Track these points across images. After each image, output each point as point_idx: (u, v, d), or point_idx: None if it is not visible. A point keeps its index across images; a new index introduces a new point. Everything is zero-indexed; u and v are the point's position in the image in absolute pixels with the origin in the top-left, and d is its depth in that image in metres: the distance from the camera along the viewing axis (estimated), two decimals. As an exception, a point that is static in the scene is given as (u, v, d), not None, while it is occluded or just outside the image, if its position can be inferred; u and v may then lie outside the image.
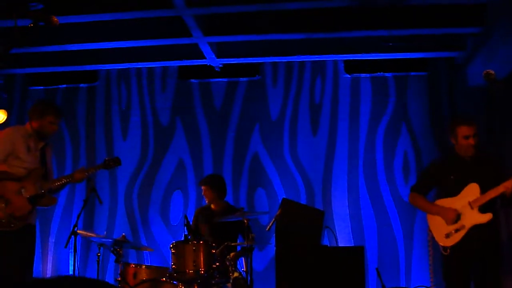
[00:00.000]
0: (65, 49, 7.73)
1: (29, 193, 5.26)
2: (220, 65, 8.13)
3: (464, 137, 5.27)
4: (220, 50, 7.78)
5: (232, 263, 6.14)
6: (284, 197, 7.15)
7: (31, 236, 5.40)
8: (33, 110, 5.58)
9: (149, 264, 7.07)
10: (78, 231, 5.94)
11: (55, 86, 8.90)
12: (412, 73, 8.03)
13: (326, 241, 7.06)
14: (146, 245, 7.85)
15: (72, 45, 7.56)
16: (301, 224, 6.30)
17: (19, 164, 5.32)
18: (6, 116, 8.16)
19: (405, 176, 7.83)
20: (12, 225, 5.17)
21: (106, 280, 8.09)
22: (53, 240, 8.50)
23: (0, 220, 5.12)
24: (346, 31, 7.06)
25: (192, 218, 6.98)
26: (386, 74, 8.05)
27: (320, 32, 7.07)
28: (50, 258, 8.48)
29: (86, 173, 5.66)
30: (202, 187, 6.89)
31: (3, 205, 5.13)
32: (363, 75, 8.10)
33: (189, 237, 5.91)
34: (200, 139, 8.30)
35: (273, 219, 6.00)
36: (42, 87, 8.94)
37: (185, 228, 6.04)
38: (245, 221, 5.98)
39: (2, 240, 5.15)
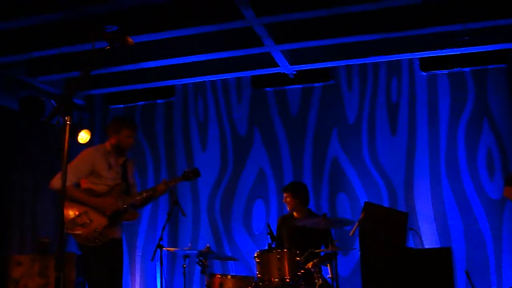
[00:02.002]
0: (141, 67, 7.92)
1: (112, 209, 5.39)
2: (294, 72, 8.12)
3: None
4: (293, 57, 7.77)
5: (317, 269, 6.09)
6: (366, 200, 7.05)
7: (118, 250, 5.52)
8: (110, 127, 5.74)
9: (235, 274, 7.10)
10: (163, 247, 6.06)
11: (133, 104, 9.17)
12: (491, 66, 7.75)
13: (411, 243, 6.92)
14: (230, 255, 7.91)
15: (147, 62, 7.73)
16: (385, 227, 6.18)
17: (101, 181, 5.48)
18: (90, 135, 8.42)
19: (490, 173, 7.57)
20: (97, 241, 5.30)
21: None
22: (140, 254, 8.71)
23: (86, 236, 5.27)
24: (419, 28, 6.90)
25: (275, 226, 6.97)
26: (464, 69, 7.82)
27: (392, 31, 6.95)
28: (137, 271, 8.68)
29: (167, 186, 5.74)
30: (284, 194, 6.86)
31: (87, 221, 5.29)
32: (439, 71, 7.89)
33: (273, 245, 5.91)
34: (279, 147, 8.32)
35: (357, 223, 5.91)
36: (121, 105, 9.22)
37: (269, 236, 6.04)
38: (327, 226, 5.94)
39: (90, 255, 5.30)
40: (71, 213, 5.27)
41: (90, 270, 5.30)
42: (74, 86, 3.43)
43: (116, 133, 5.64)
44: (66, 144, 3.25)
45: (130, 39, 3.49)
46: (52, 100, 8.57)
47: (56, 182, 5.29)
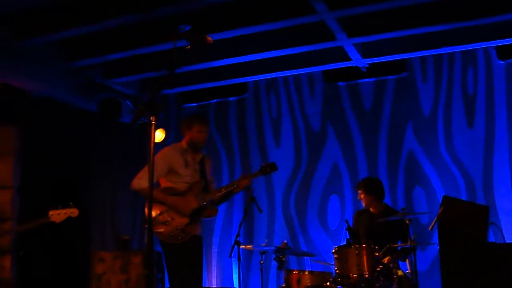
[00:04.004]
0: (213, 65, 7.99)
1: (191, 207, 5.47)
2: (366, 65, 8.03)
3: None
4: (365, 50, 7.68)
5: (395, 264, 6.03)
6: (444, 194, 6.91)
7: (199, 247, 5.61)
8: (182, 125, 5.84)
9: (312, 270, 7.08)
10: (241, 244, 6.12)
11: (206, 102, 9.27)
12: None
13: (491, 238, 6.74)
14: (306, 250, 7.90)
15: (219, 60, 7.79)
16: (465, 221, 6.04)
17: (179, 179, 5.58)
18: (165, 134, 8.59)
19: None
20: (179, 238, 5.40)
21: (269, 287, 8.26)
22: (216, 250, 8.81)
23: (168, 234, 5.38)
24: (495, 15, 6.69)
25: (352, 221, 6.92)
26: (544, 56, 7.54)
27: (467, 20, 6.76)
28: (214, 267, 8.78)
29: (247, 181, 5.78)
30: (358, 191, 6.82)
31: (169, 219, 5.39)
32: (518, 59, 7.65)
33: (351, 241, 5.88)
34: (353, 142, 8.25)
35: (436, 218, 5.81)
36: (194, 104, 9.35)
37: (347, 232, 6.01)
38: (407, 221, 5.86)
39: (172, 252, 5.40)
40: (152, 212, 5.38)
41: (172, 267, 5.40)
42: (158, 86, 3.49)
43: (188, 129, 5.74)
44: (152, 144, 3.31)
45: (209, 38, 3.53)
46: (127, 101, 8.78)
47: (136, 183, 5.41)
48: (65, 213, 5.65)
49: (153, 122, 3.30)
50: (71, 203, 5.71)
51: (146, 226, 5.39)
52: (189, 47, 3.54)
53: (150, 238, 3.20)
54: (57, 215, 5.61)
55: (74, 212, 5.71)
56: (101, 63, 7.99)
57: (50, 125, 7.64)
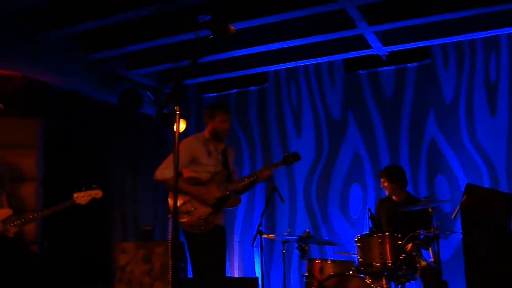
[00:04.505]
0: (233, 55, 7.98)
1: (214, 196, 5.48)
2: (387, 53, 7.98)
3: None
4: (386, 38, 7.63)
5: (418, 253, 6.01)
6: (467, 182, 6.86)
7: (222, 237, 5.62)
8: (205, 114, 5.83)
9: (333, 259, 7.09)
10: (263, 233, 6.13)
11: (226, 92, 9.28)
12: None
13: (515, 226, 6.69)
14: (328, 239, 7.90)
15: (239, 50, 7.78)
16: (488, 209, 6.00)
17: (202, 169, 5.58)
18: (185, 125, 8.62)
19: None
20: (203, 227, 5.42)
21: (292, 276, 8.27)
22: (238, 239, 8.83)
23: (191, 224, 5.40)
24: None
25: (374, 210, 6.90)
26: None
27: (489, 5, 6.69)
28: (236, 256, 8.81)
29: (270, 170, 5.77)
30: (381, 180, 6.79)
31: (192, 209, 5.41)
32: (542, 45, 7.55)
33: (374, 229, 5.87)
34: (374, 130, 8.21)
35: (459, 206, 5.77)
36: (214, 94, 9.37)
37: (370, 221, 6.00)
38: (430, 210, 5.84)
39: (196, 242, 5.42)
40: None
41: (195, 256, 5.41)
42: (181, 76, 3.49)
43: (211, 119, 5.73)
44: (177, 134, 3.32)
45: (232, 27, 3.53)
46: (148, 92, 8.81)
47: (160, 173, 5.43)
48: (89, 194, 5.73)
49: (177, 112, 3.31)
50: (94, 185, 5.77)
51: (169, 216, 5.46)
52: (211, 36, 3.53)
53: (176, 228, 3.21)
54: (82, 197, 5.69)
55: (98, 193, 5.78)
56: (121, 55, 8.02)
57: (72, 117, 7.70)
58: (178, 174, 5.42)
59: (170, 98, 3.27)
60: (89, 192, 5.73)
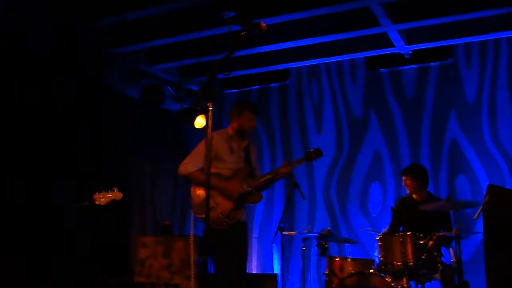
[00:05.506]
0: (255, 52, 7.98)
1: (237, 192, 5.49)
2: (409, 52, 7.95)
3: None
4: (409, 37, 7.60)
5: (439, 253, 5.99)
6: (489, 183, 6.83)
7: (243, 233, 5.62)
8: (231, 111, 5.81)
9: (353, 257, 7.09)
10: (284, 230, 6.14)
11: (248, 88, 9.30)
12: None
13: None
14: (348, 237, 7.89)
15: (262, 47, 7.78)
16: (510, 210, 5.97)
17: (224, 165, 5.58)
18: (205, 120, 8.62)
19: None
20: (224, 223, 5.42)
21: (311, 273, 8.28)
22: (256, 236, 8.85)
23: (213, 219, 5.40)
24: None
25: (395, 208, 6.88)
26: None
27: (513, 5, 6.65)
28: (254, 253, 8.82)
29: (291, 167, 5.76)
30: (403, 178, 6.75)
31: (214, 205, 5.42)
32: None
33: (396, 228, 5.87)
34: (395, 129, 8.19)
35: (481, 207, 5.74)
36: (236, 90, 9.38)
37: (392, 211, 6.00)
38: (452, 209, 5.83)
39: (217, 237, 5.42)
40: (198, 197, 5.44)
41: (217, 252, 5.41)
42: (215, 72, 3.51)
43: (238, 116, 5.72)
44: (209, 130, 3.33)
45: (263, 24, 3.54)
46: (169, 88, 8.83)
47: (184, 168, 5.45)
48: (109, 196, 5.73)
49: (210, 108, 3.32)
50: (114, 189, 5.78)
51: (191, 211, 5.48)
52: (244, 33, 3.55)
53: (208, 225, 3.22)
54: (101, 198, 5.70)
55: (117, 195, 5.78)
56: (144, 50, 8.05)
57: (96, 111, 7.76)
58: (202, 170, 5.45)
59: (204, 94, 3.28)
60: (109, 194, 5.74)
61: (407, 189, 6.74)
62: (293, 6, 6.72)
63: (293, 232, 7.08)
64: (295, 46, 7.79)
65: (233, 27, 3.61)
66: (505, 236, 5.68)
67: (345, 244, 8.00)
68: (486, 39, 7.66)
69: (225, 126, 5.87)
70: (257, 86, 9.23)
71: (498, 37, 7.56)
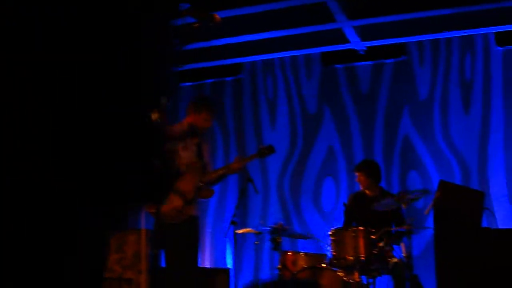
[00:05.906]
0: (209, 45, 7.92)
1: (189, 187, 5.45)
2: (365, 48, 8.00)
3: None
4: (364, 33, 7.65)
5: (390, 248, 6.06)
6: (440, 179, 6.92)
7: (195, 227, 5.57)
8: (191, 106, 5.75)
9: (306, 252, 7.10)
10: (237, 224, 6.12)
11: (201, 82, 9.20)
12: None
13: (485, 223, 6.76)
14: (300, 232, 7.89)
15: (216, 40, 7.73)
16: (460, 206, 6.06)
17: (178, 160, 5.53)
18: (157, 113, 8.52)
19: None
20: (177, 218, 5.38)
21: (263, 268, 8.27)
22: (210, 230, 8.79)
23: (165, 214, 5.34)
24: (494, 2, 6.68)
25: (347, 204, 6.92)
26: (543, 43, 7.51)
27: (466, 5, 6.75)
28: (207, 247, 8.77)
29: (243, 163, 5.75)
30: (357, 173, 6.79)
31: (166, 200, 5.36)
32: (517, 46, 7.62)
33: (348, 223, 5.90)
34: (349, 124, 8.23)
35: (432, 202, 5.82)
36: (189, 83, 9.26)
37: (344, 207, 6.04)
38: (403, 205, 5.88)
39: (168, 232, 5.37)
40: None
41: (168, 246, 5.37)
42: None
43: (196, 113, 5.66)
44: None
45: (217, 16, 3.49)
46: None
47: None
48: None
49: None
50: None
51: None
52: (197, 25, 3.49)
53: (158, 219, 3.17)
54: None
55: None
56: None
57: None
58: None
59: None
60: None
61: (360, 185, 6.79)
62: (247, 0, 6.69)
63: (248, 230, 7.01)
64: (250, 40, 7.77)
65: (188, 19, 3.54)
66: (455, 231, 5.76)
67: (299, 239, 8.01)
68: (438, 37, 7.77)
69: (179, 120, 5.82)
70: (211, 80, 9.15)
71: (450, 36, 7.67)
